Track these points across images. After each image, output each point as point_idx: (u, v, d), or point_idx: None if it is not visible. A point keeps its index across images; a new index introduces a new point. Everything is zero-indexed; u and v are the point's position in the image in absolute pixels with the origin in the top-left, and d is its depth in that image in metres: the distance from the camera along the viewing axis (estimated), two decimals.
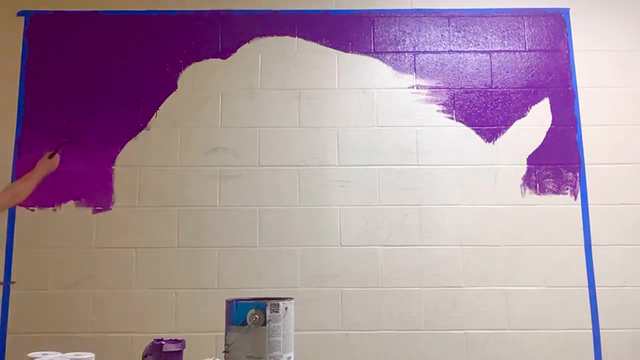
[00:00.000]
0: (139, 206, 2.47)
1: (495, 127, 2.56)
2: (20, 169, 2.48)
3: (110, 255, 2.44)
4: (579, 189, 2.49)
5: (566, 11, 2.66)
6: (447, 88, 2.59)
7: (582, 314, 2.40)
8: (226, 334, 1.45)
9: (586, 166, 2.51)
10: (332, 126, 2.55)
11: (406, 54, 2.62)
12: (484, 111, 2.57)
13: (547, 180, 2.51)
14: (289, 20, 2.64)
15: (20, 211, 2.46)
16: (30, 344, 2.33)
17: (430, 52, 2.62)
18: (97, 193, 2.48)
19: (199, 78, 2.58)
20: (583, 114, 2.56)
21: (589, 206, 2.48)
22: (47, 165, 2.29)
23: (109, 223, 2.46)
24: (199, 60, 2.60)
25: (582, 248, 2.45)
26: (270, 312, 1.41)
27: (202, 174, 2.51)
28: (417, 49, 2.63)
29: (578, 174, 2.51)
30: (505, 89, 2.59)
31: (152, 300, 2.41)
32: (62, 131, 2.52)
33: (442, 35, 2.64)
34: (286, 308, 1.45)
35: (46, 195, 2.47)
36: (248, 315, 1.41)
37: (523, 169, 2.52)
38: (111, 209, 2.47)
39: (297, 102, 2.57)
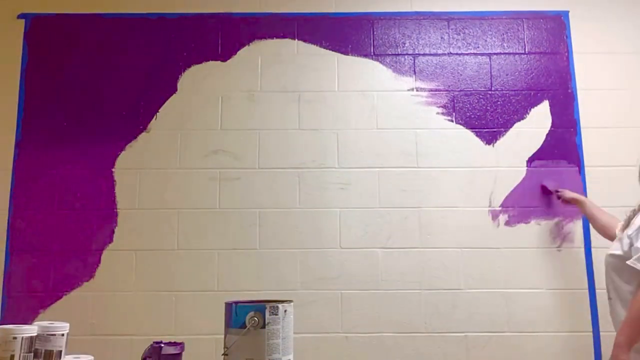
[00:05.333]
0: (138, 208, 2.47)
1: (494, 130, 2.56)
2: (19, 171, 2.49)
3: (110, 258, 2.43)
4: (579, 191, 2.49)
5: (565, 14, 2.66)
6: (446, 90, 2.59)
7: (583, 317, 2.40)
8: (225, 337, 1.45)
9: (586, 168, 2.51)
10: (332, 128, 2.56)
11: (406, 57, 2.62)
12: (484, 113, 2.57)
13: (547, 182, 2.50)
14: (288, 23, 2.64)
15: (18, 212, 2.46)
16: None
17: (430, 54, 2.63)
18: (97, 195, 2.48)
19: (198, 80, 2.59)
20: (583, 116, 2.56)
21: None
22: None
23: (108, 226, 2.46)
24: (199, 62, 2.60)
25: (582, 250, 2.45)
26: (270, 315, 1.41)
27: (202, 177, 2.51)
28: (416, 52, 2.63)
29: (578, 176, 2.51)
30: (504, 92, 2.59)
31: (151, 302, 2.41)
32: (62, 133, 2.53)
33: (441, 38, 2.64)
34: (285, 310, 1.44)
35: (46, 197, 2.47)
36: (247, 318, 1.41)
37: (523, 171, 2.52)
38: (111, 212, 2.47)
39: (297, 104, 2.58)
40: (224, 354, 1.42)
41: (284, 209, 2.48)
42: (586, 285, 2.42)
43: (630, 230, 1.82)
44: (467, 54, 2.63)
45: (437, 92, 2.59)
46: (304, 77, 2.60)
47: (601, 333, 2.37)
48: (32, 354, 1.41)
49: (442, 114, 2.57)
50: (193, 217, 2.47)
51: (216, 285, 2.42)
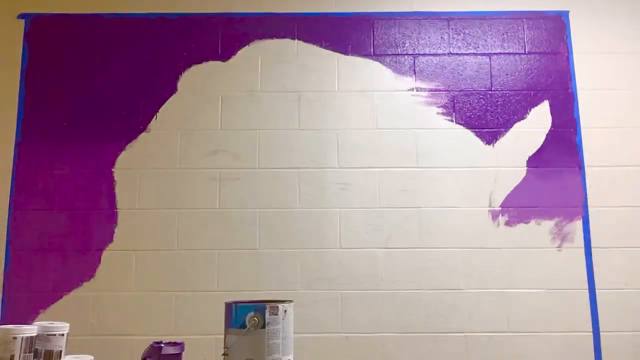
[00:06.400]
0: (138, 209, 2.47)
1: (495, 130, 2.56)
2: (19, 171, 2.49)
3: (110, 258, 2.44)
4: (579, 191, 2.49)
5: (566, 14, 2.66)
6: (446, 90, 2.59)
7: (583, 316, 2.40)
8: (225, 337, 1.45)
9: (586, 168, 2.51)
10: (332, 128, 2.56)
11: (406, 57, 2.62)
12: (484, 113, 2.57)
13: (547, 182, 2.50)
14: (289, 23, 2.64)
15: (18, 212, 2.46)
16: None
17: (430, 54, 2.63)
18: (97, 195, 2.48)
19: (199, 80, 2.59)
20: (583, 116, 2.56)
21: (589, 208, 2.48)
22: None
23: (109, 225, 2.46)
24: (199, 62, 2.60)
25: (582, 250, 2.45)
26: (270, 315, 1.41)
27: (202, 177, 2.51)
28: (416, 52, 2.63)
29: (578, 176, 2.51)
30: (504, 92, 2.59)
31: (151, 302, 2.41)
32: (62, 133, 2.53)
33: (441, 38, 2.64)
34: (285, 311, 1.45)
35: (46, 197, 2.47)
36: (247, 318, 1.41)
37: (523, 171, 2.52)
38: (111, 212, 2.47)
39: (297, 104, 2.58)
40: (224, 354, 1.42)
41: (284, 209, 2.48)
42: (586, 285, 2.42)
43: None
44: (467, 54, 2.63)
45: (437, 92, 2.59)
46: (304, 77, 2.60)
47: (601, 333, 2.38)
48: (32, 354, 1.41)
49: (442, 114, 2.57)
50: (193, 217, 2.47)
51: (216, 285, 2.42)
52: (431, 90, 2.59)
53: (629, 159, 2.53)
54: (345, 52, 2.62)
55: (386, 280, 2.43)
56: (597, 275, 2.42)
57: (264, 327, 1.40)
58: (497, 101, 2.58)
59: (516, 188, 2.51)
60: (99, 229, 2.45)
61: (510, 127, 2.56)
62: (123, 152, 2.52)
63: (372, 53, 2.62)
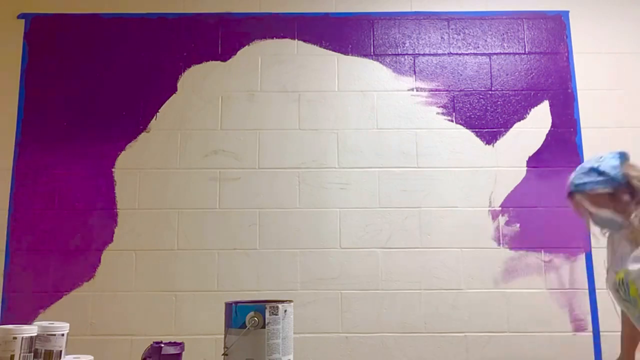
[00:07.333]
0: (138, 208, 2.47)
1: (495, 130, 2.56)
2: (19, 171, 2.49)
3: (110, 258, 2.43)
4: None
5: (566, 14, 2.66)
6: (446, 90, 2.59)
7: (582, 317, 2.40)
8: (225, 337, 1.45)
9: None
10: (332, 128, 2.56)
11: (406, 57, 2.62)
12: (484, 113, 2.57)
13: (547, 182, 2.50)
14: (289, 23, 2.64)
15: (18, 212, 2.46)
16: None
17: (430, 54, 2.63)
18: (97, 195, 2.48)
19: (199, 80, 2.59)
20: (582, 116, 2.56)
21: None
22: None
23: (109, 226, 2.46)
24: (199, 62, 2.60)
25: (582, 250, 2.45)
26: (270, 315, 1.41)
27: (202, 177, 2.51)
28: (416, 52, 2.63)
29: None
30: (504, 92, 2.59)
31: (151, 302, 2.41)
32: (62, 133, 2.53)
33: (441, 38, 2.64)
34: (285, 311, 1.44)
35: (46, 197, 2.47)
36: (247, 318, 1.41)
37: (523, 171, 2.52)
38: (111, 212, 2.47)
39: (297, 104, 2.58)
40: (224, 354, 1.42)
41: (284, 209, 2.48)
42: (586, 285, 2.42)
43: None
44: (467, 54, 2.63)
45: (437, 92, 2.59)
46: (304, 77, 2.60)
47: (601, 333, 2.37)
48: (32, 354, 1.41)
49: (442, 114, 2.57)
50: (193, 217, 2.47)
51: (216, 285, 2.42)
52: (431, 90, 2.59)
53: None
54: (345, 52, 2.62)
55: (386, 280, 2.43)
56: (597, 275, 2.41)
57: (264, 327, 1.40)
58: (497, 101, 2.58)
59: (516, 188, 2.50)
60: (99, 229, 2.45)
61: (510, 127, 2.56)
62: (123, 152, 2.52)
63: (372, 53, 2.62)
